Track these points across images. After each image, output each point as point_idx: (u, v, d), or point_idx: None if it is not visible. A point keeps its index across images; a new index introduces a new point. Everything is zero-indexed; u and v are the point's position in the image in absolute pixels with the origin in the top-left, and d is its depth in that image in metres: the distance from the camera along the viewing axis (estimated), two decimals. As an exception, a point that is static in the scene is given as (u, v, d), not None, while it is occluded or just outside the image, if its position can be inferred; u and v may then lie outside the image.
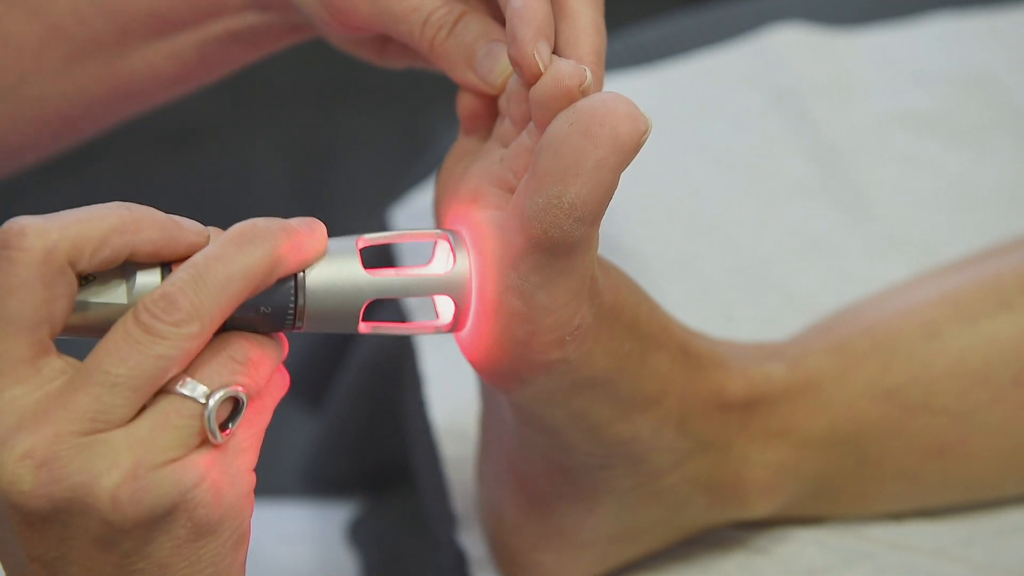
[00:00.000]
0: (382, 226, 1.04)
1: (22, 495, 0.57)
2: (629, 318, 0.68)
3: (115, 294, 0.61)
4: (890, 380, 0.77)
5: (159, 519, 0.58)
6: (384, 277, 0.64)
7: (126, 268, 0.61)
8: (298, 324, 0.63)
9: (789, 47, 1.04)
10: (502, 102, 0.68)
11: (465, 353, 0.66)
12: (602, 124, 0.60)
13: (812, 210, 0.97)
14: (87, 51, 0.77)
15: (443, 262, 0.66)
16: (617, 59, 1.05)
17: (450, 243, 0.65)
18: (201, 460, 0.59)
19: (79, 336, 0.61)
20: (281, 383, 0.64)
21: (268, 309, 0.62)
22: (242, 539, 0.61)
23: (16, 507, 0.57)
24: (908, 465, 0.78)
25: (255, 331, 0.62)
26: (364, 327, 0.64)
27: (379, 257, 0.99)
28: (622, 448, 0.71)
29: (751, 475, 0.76)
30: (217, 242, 0.60)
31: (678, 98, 1.03)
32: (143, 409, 0.59)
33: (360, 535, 1.09)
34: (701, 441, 0.74)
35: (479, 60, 0.67)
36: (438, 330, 0.66)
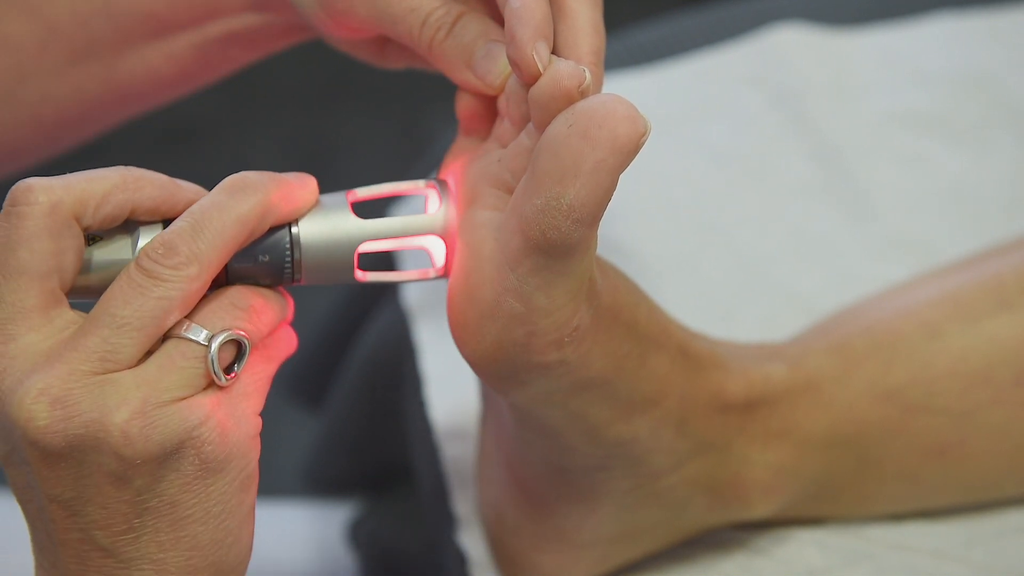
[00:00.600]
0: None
1: (39, 431, 0.60)
2: (627, 319, 0.68)
3: (120, 250, 0.64)
4: (891, 380, 0.77)
5: (168, 455, 0.61)
6: (374, 221, 0.67)
7: (130, 226, 0.65)
8: (296, 276, 0.66)
9: (789, 47, 1.04)
10: (501, 102, 0.67)
11: (464, 354, 0.66)
12: (601, 126, 0.60)
13: (812, 210, 0.97)
14: (85, 52, 0.77)
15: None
16: (617, 59, 1.05)
17: (437, 190, 0.68)
18: (206, 400, 0.62)
19: (90, 297, 0.64)
20: (288, 339, 0.67)
21: (266, 258, 0.65)
22: (249, 480, 0.64)
23: (34, 443, 0.60)
24: (909, 465, 0.78)
25: (257, 285, 0.66)
26: (361, 275, 0.67)
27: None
28: (621, 449, 0.71)
29: (751, 476, 0.76)
30: (212, 192, 0.64)
31: (678, 98, 1.03)
32: (151, 354, 0.62)
33: (360, 535, 1.09)
34: (701, 442, 0.74)
35: (478, 60, 0.67)
36: (435, 276, 0.68)
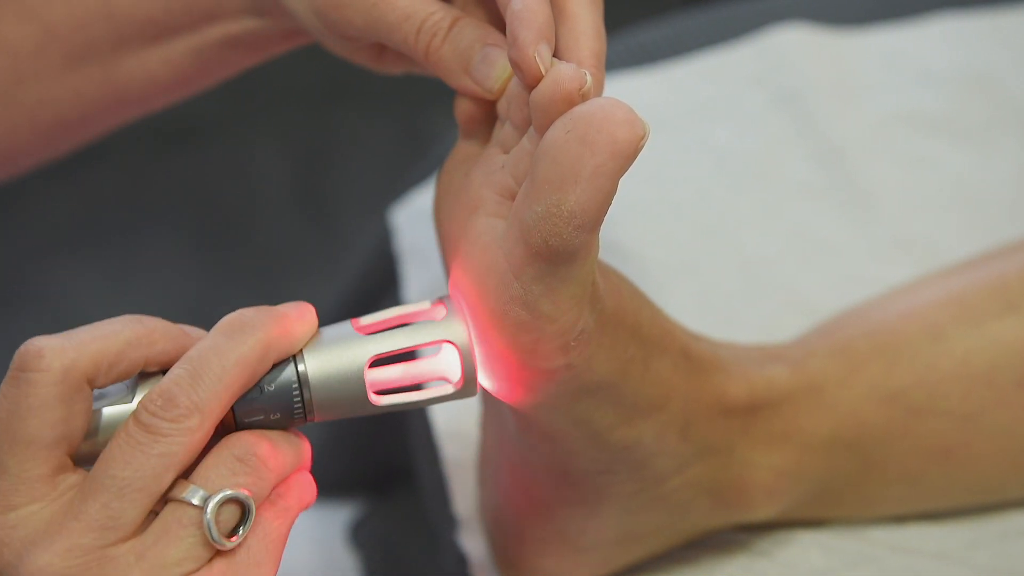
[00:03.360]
0: (384, 226, 1.04)
1: None
2: (631, 323, 0.68)
3: (123, 409, 0.61)
4: (894, 382, 0.77)
5: None
6: (378, 337, 0.63)
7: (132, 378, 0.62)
8: (309, 416, 0.62)
9: (792, 47, 1.04)
10: (501, 105, 0.67)
11: None
12: (600, 130, 0.59)
13: (816, 211, 0.97)
14: (84, 56, 0.77)
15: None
16: (619, 59, 1.05)
17: (444, 305, 0.65)
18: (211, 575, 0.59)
19: (94, 460, 0.61)
20: (306, 487, 0.63)
21: (272, 387, 0.62)
22: None
23: None
24: (912, 468, 0.78)
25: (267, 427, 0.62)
26: (376, 399, 0.63)
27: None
28: (625, 453, 0.71)
29: (754, 479, 0.76)
30: (209, 335, 0.61)
31: (681, 99, 1.03)
32: (151, 521, 0.59)
33: (362, 536, 1.09)
34: (704, 445, 0.74)
35: (475, 65, 0.67)
36: (454, 392, 0.65)
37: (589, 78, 0.61)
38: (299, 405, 0.62)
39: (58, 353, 0.59)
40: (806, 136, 1.00)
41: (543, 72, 0.62)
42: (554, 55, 0.64)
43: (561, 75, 0.61)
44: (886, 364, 0.77)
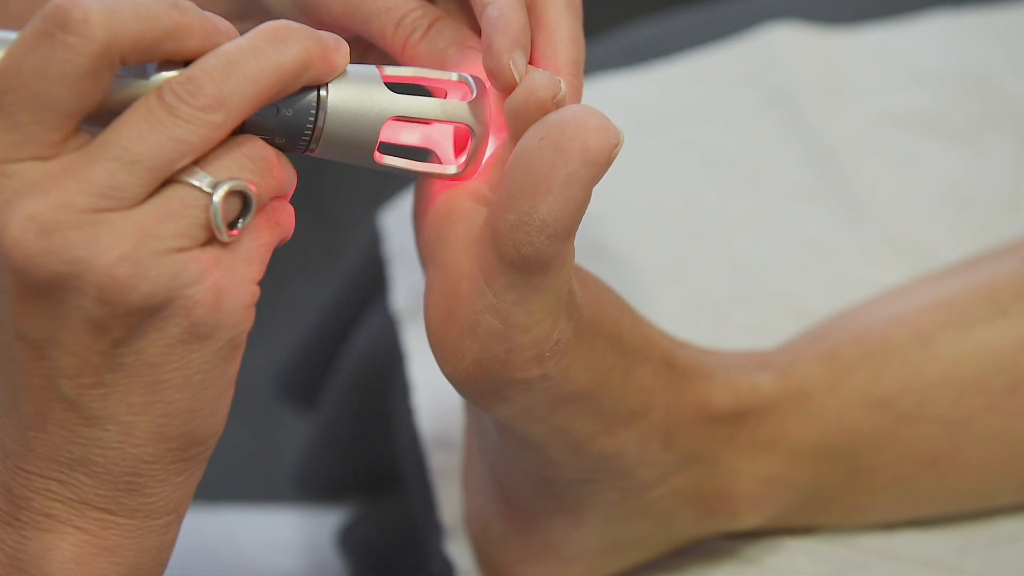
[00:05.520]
0: (376, 230, 1.04)
1: (21, 259, 0.55)
2: (610, 331, 0.67)
3: (136, 77, 0.59)
4: (882, 389, 0.77)
5: (154, 310, 0.57)
6: (407, 97, 0.63)
7: None
8: (312, 145, 0.62)
9: (784, 46, 1.03)
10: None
11: (444, 372, 0.65)
12: (572, 138, 0.59)
13: (807, 212, 0.96)
14: None
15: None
16: (609, 59, 1.04)
17: (469, 86, 0.65)
18: (204, 257, 0.57)
19: (94, 122, 0.59)
20: (291, 214, 0.62)
21: (289, 112, 0.60)
22: (236, 350, 0.59)
23: (14, 271, 0.56)
24: (901, 474, 0.78)
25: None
26: (379, 156, 0.63)
27: None
28: (607, 462, 0.71)
29: (740, 487, 0.76)
30: (248, 36, 0.59)
31: (671, 98, 1.02)
32: (149, 196, 0.57)
33: (350, 542, 1.09)
34: (688, 454, 0.73)
35: (451, 67, 0.66)
36: (455, 172, 0.65)
37: (564, 86, 0.61)
38: (307, 137, 0.61)
39: (103, 25, 0.56)
40: (797, 137, 1.00)
41: (517, 80, 0.62)
42: (531, 62, 0.64)
43: (535, 83, 0.61)
44: (874, 370, 0.77)
